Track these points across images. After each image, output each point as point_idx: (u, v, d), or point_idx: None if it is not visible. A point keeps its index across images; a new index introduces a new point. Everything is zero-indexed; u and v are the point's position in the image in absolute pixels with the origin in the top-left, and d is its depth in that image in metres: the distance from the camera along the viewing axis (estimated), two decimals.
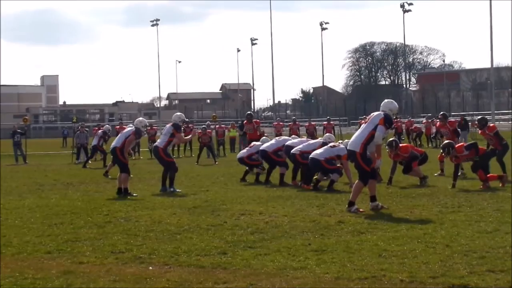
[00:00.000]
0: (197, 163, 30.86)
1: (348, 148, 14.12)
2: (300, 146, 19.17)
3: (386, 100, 14.48)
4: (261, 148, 20.32)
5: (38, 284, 7.84)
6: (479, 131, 20.62)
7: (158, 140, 19.00)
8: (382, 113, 13.83)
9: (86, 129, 38.37)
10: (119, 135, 18.90)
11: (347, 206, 13.44)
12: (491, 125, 20.55)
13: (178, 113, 19.67)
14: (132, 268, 8.67)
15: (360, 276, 7.86)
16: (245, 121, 35.05)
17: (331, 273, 8.04)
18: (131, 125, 19.88)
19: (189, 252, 9.51)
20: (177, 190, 17.78)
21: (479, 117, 21.80)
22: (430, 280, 7.61)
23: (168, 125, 18.89)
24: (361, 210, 13.25)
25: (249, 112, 31.36)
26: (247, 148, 22.41)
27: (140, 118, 19.42)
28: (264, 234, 10.88)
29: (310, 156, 17.92)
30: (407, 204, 14.12)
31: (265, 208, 14.03)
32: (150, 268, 8.64)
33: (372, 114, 14.28)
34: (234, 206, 14.45)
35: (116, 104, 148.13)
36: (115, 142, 18.49)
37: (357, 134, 13.96)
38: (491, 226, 11.02)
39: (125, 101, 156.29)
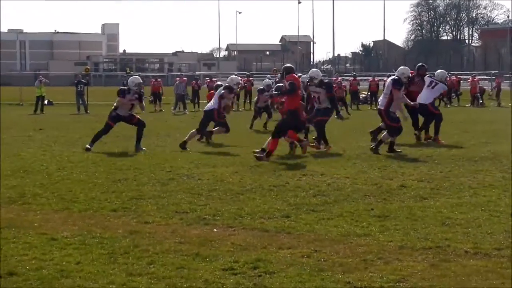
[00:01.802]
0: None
1: None
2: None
3: None
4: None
5: (106, 244, 7.93)
6: None
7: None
8: None
9: (185, 78, 40.31)
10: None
11: None
12: None
13: (136, 76, 19.46)
14: (197, 229, 8.74)
15: (424, 245, 7.80)
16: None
17: (394, 241, 8.01)
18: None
19: (252, 214, 9.57)
20: (143, 148, 17.61)
21: None
22: (495, 252, 7.52)
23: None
24: None
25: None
26: None
27: (233, 76, 20.35)
28: (326, 197, 10.89)
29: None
30: (470, 168, 13.97)
31: (326, 168, 14.00)
32: (215, 230, 8.71)
33: None
34: (295, 166, 14.48)
35: (175, 54, 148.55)
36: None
37: None
38: None
39: (185, 51, 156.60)
